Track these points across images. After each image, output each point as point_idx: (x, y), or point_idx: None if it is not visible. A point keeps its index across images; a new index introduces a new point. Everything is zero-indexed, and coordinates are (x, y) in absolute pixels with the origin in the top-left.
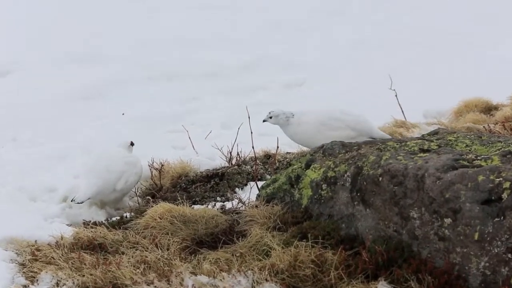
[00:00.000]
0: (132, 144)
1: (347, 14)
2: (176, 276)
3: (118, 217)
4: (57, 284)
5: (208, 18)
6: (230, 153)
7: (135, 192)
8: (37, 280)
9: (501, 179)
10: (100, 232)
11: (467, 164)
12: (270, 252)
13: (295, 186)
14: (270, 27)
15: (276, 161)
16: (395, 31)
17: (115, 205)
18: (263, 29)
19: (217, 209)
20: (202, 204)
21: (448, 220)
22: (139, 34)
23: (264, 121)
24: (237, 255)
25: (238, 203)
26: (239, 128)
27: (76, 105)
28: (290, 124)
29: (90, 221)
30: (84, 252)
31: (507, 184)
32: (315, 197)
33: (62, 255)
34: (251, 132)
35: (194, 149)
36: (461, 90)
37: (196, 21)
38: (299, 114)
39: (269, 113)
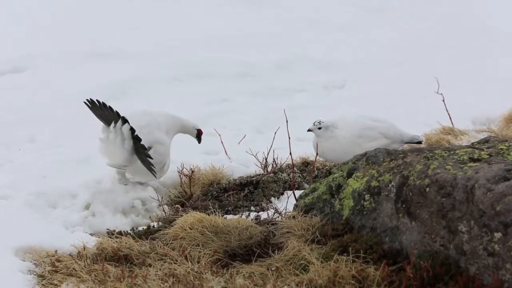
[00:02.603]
0: (200, 133)
1: (389, 11)
2: None
3: (145, 227)
4: None
5: (240, 13)
6: (266, 159)
7: (160, 200)
8: None
9: None
10: (126, 243)
11: None
12: (308, 266)
13: (335, 196)
14: (306, 24)
15: (315, 169)
16: (440, 30)
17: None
18: (298, 26)
19: (251, 219)
20: (235, 214)
21: (498, 235)
22: (167, 30)
23: (309, 130)
24: (272, 269)
25: (274, 214)
26: (275, 133)
27: None
28: (332, 137)
29: (115, 230)
30: (108, 264)
31: None
32: (357, 208)
33: (84, 266)
34: (289, 137)
35: (226, 154)
36: None
37: (227, 16)
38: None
39: (319, 123)
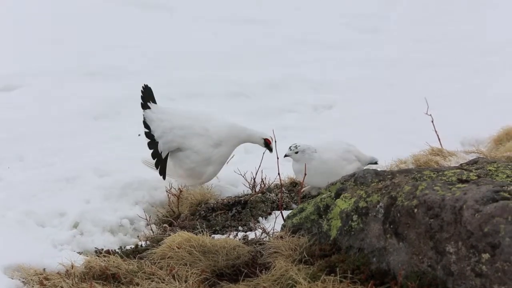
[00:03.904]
0: (269, 142)
1: (381, 32)
2: None
3: (133, 246)
4: None
5: (234, 32)
6: (254, 179)
7: (148, 220)
8: None
9: None
10: (114, 262)
11: (508, 196)
12: (295, 286)
13: (323, 216)
14: (300, 44)
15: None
16: (431, 51)
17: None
18: (292, 46)
19: (239, 239)
20: (223, 234)
21: (486, 256)
22: (160, 48)
23: (286, 155)
24: None
25: (261, 234)
26: (263, 153)
27: (87, 123)
28: (312, 160)
29: (103, 249)
30: (96, 283)
31: None
32: (345, 228)
33: (72, 285)
34: (277, 158)
35: None
36: (502, 116)
37: (220, 35)
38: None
39: (296, 147)
